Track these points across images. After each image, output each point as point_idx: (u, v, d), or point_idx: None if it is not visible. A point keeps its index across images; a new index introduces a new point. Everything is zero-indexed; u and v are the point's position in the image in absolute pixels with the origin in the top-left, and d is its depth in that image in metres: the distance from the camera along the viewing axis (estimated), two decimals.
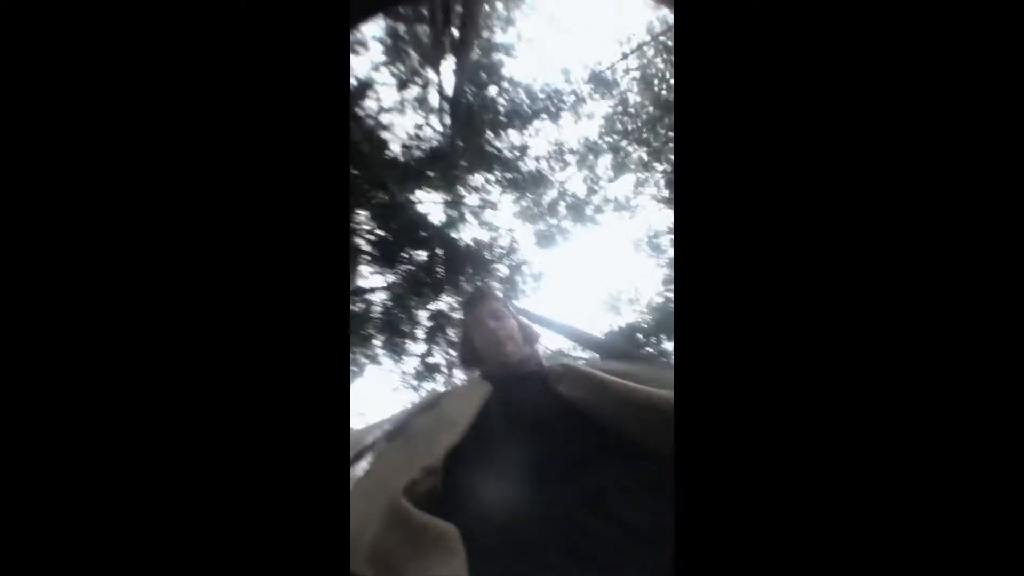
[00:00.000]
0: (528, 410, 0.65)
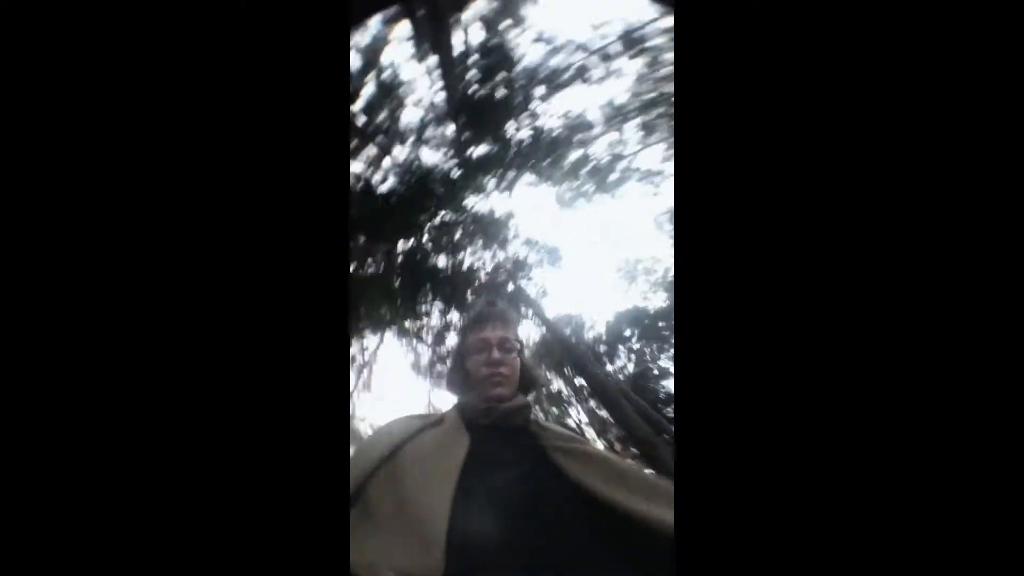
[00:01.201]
0: (514, 482, 0.57)
